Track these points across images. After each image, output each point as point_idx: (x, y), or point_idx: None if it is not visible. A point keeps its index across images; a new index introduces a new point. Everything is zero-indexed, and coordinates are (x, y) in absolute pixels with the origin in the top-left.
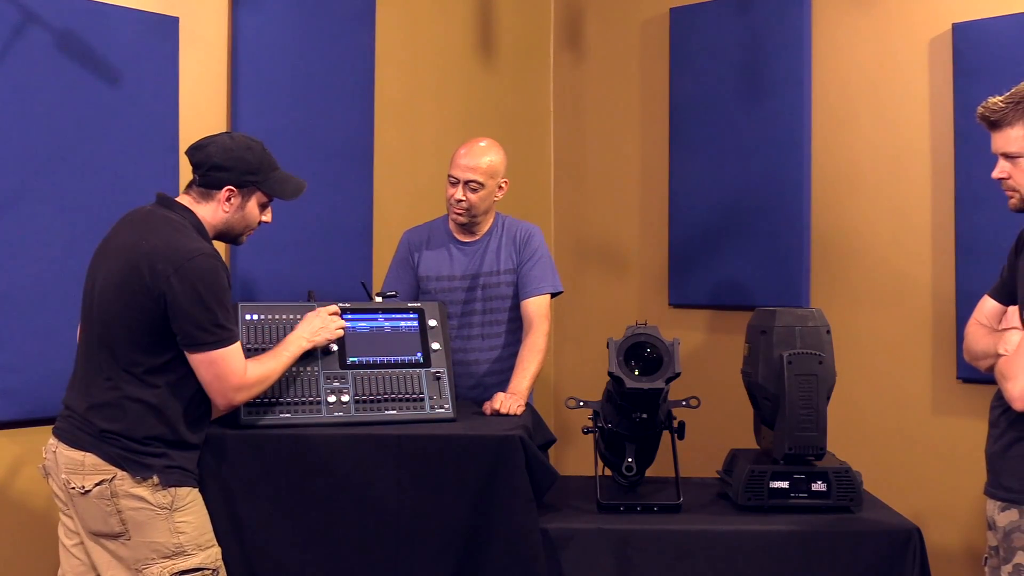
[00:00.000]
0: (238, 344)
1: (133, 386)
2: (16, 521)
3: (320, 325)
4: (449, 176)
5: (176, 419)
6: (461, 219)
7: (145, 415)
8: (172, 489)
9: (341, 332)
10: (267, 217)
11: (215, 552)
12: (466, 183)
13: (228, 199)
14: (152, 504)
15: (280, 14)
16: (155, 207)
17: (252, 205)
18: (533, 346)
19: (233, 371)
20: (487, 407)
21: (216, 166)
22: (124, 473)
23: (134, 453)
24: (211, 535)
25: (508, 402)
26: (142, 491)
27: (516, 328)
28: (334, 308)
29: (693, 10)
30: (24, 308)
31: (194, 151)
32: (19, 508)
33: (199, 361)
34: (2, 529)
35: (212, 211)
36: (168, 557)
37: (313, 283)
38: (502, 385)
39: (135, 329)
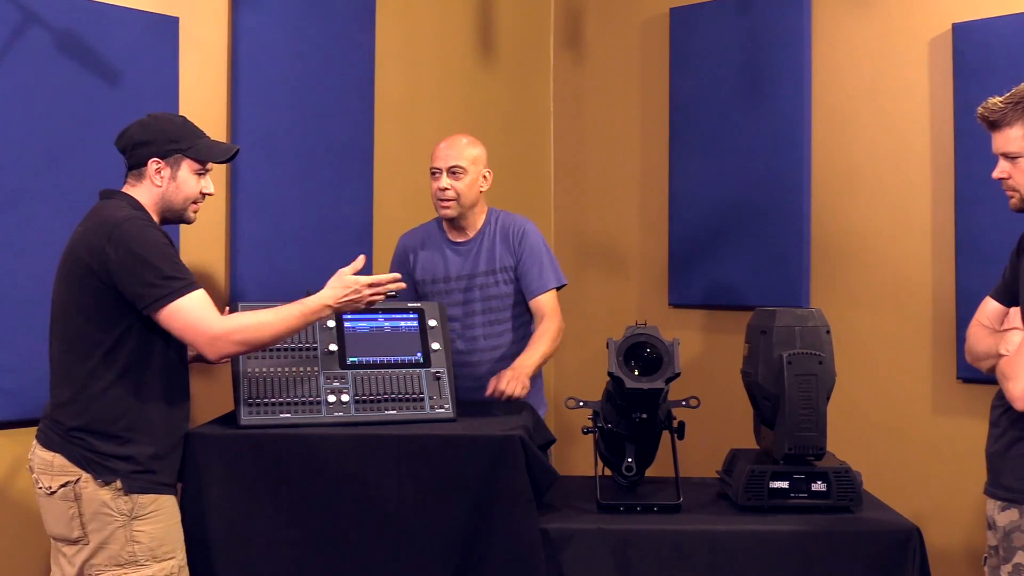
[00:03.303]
0: (200, 292)
1: (94, 375)
2: (16, 521)
3: (350, 292)
4: (431, 170)
5: (143, 400)
6: (449, 211)
7: (109, 404)
8: (134, 496)
9: (380, 298)
10: (207, 187)
11: (171, 565)
12: (449, 170)
13: (157, 172)
14: (112, 510)
15: (280, 14)
16: (98, 202)
17: (184, 174)
18: (546, 331)
19: (200, 318)
20: (491, 386)
21: (138, 143)
22: (88, 476)
23: (99, 455)
24: (172, 547)
25: (513, 384)
26: (104, 495)
27: (518, 326)
28: (361, 265)
29: (693, 10)
30: (24, 308)
31: (118, 139)
32: (19, 508)
33: (165, 318)
34: (2, 529)
35: (147, 191)
36: (120, 565)
37: (313, 283)
38: None
39: (85, 310)
